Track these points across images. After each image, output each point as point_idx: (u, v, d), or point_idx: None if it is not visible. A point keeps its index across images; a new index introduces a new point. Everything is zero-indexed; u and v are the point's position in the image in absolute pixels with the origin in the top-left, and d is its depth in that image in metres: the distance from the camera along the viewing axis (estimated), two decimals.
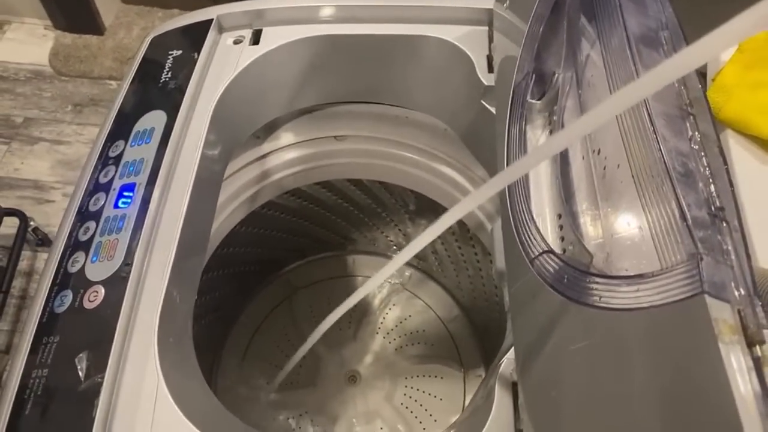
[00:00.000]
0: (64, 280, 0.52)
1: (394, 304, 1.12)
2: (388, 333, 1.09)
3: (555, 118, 0.52)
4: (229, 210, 0.78)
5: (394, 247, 1.15)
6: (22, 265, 1.39)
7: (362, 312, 1.12)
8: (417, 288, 1.14)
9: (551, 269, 0.41)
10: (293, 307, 1.12)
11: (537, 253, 0.43)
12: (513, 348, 0.47)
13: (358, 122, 0.79)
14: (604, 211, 0.39)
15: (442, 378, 1.04)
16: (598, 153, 0.40)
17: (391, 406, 1.01)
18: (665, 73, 0.26)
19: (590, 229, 0.43)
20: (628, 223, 0.36)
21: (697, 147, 0.32)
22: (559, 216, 0.48)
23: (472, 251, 0.92)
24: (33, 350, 0.49)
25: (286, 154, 0.80)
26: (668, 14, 0.38)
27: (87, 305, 0.50)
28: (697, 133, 0.33)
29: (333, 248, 1.17)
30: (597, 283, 0.35)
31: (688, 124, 0.33)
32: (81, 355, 0.47)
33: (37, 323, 0.50)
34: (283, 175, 0.81)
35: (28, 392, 0.47)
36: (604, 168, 0.39)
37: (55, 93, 1.69)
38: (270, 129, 0.78)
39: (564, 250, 0.45)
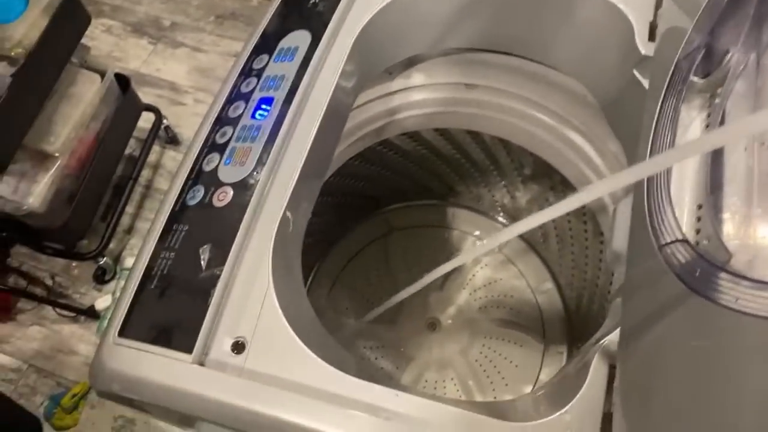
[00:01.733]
0: (198, 176, 0.56)
1: (486, 264, 1.11)
2: (475, 290, 1.09)
3: (718, 101, 0.48)
4: (348, 141, 0.79)
5: (498, 208, 1.13)
6: (151, 158, 1.52)
7: None
8: (513, 253, 1.12)
9: (682, 259, 0.39)
10: (388, 246, 1.15)
11: (669, 241, 0.41)
12: (617, 331, 0.45)
13: (492, 72, 0.76)
14: (760, 210, 0.36)
15: (521, 346, 1.04)
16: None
17: (466, 360, 1.02)
18: None
19: (734, 227, 0.40)
20: None
21: None
22: (699, 207, 0.44)
23: (582, 228, 0.89)
24: (163, 234, 0.53)
25: (414, 95, 0.80)
26: None
27: (216, 203, 0.53)
28: None
29: (436, 197, 1.17)
30: (737, 284, 0.33)
31: None
32: (205, 246, 0.51)
33: (170, 210, 0.54)
34: (406, 116, 0.81)
35: (156, 270, 0.52)
36: None
37: (201, 2, 1.78)
38: (402, 67, 0.78)
39: (697, 243, 0.42)
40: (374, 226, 1.17)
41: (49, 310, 1.36)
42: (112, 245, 1.38)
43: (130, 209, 1.46)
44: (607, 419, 0.43)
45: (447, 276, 1.11)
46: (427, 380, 1.01)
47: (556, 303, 1.07)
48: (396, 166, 1.03)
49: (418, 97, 0.80)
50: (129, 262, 1.40)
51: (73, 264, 1.42)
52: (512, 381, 1.00)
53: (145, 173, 1.52)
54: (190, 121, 1.58)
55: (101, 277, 1.38)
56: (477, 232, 1.15)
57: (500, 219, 1.14)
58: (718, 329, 0.33)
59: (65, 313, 1.35)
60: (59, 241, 1.28)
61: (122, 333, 0.49)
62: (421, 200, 1.18)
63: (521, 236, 1.13)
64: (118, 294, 1.27)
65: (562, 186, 0.91)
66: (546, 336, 1.04)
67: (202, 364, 0.47)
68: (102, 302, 1.32)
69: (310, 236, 0.99)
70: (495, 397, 0.98)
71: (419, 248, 1.14)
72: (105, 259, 1.36)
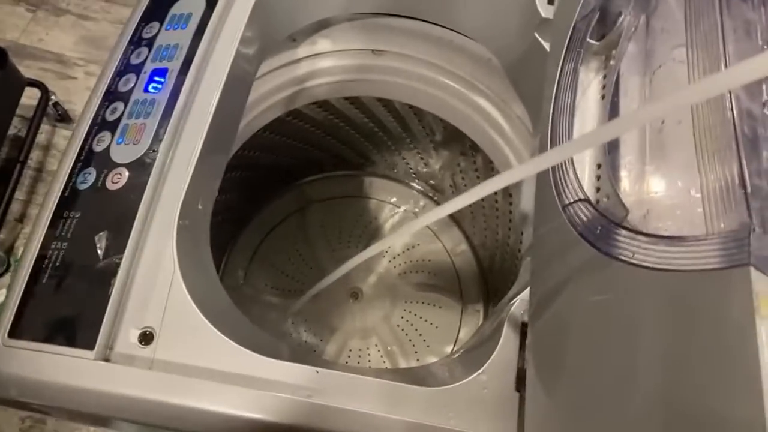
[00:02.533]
0: (88, 157, 0.52)
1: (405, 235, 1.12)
2: (394, 257, 1.10)
3: (612, 62, 0.49)
4: (255, 112, 0.76)
5: (413, 175, 1.13)
6: (41, 138, 1.39)
7: (372, 234, 1.12)
8: None
9: (584, 218, 0.40)
10: (305, 218, 1.13)
11: (571, 201, 0.42)
12: (528, 290, 0.47)
13: (399, 38, 0.75)
14: (652, 167, 0.38)
15: (440, 307, 1.06)
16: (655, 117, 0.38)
17: (388, 326, 1.03)
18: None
19: (630, 183, 0.42)
20: (678, 183, 0.34)
21: None
22: (599, 166, 0.46)
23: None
24: (53, 222, 0.49)
25: (321, 62, 0.77)
26: None
27: (110, 186, 0.49)
28: None
29: (351, 167, 1.16)
30: (633, 239, 0.34)
31: (764, 87, 0.31)
32: (101, 234, 0.47)
33: (59, 196, 0.50)
34: (314, 84, 0.79)
35: (46, 262, 0.47)
36: (662, 122, 0.37)
37: None
38: (307, 33, 0.75)
39: (597, 201, 0.44)
40: (290, 200, 1.14)
41: None
42: (2, 235, 1.27)
43: (20, 195, 1.34)
44: (521, 374, 0.44)
45: (366, 245, 1.11)
46: (351, 349, 1.01)
47: (471, 263, 1.10)
48: (308, 137, 1.00)
49: (326, 64, 0.78)
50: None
51: None
52: (433, 342, 1.03)
53: (35, 155, 1.39)
54: (83, 96, 1.46)
55: None
56: (393, 200, 1.15)
57: (415, 185, 1.15)
58: (618, 283, 0.35)
59: None
60: None
61: (13, 334, 0.45)
62: (337, 171, 1.17)
63: (436, 201, 1.14)
64: None
65: (472, 150, 0.92)
66: (463, 296, 1.07)
67: (107, 359, 0.44)
68: None
69: (220, 214, 0.96)
70: (418, 360, 1.01)
71: (338, 219, 1.13)
72: None
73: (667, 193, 0.36)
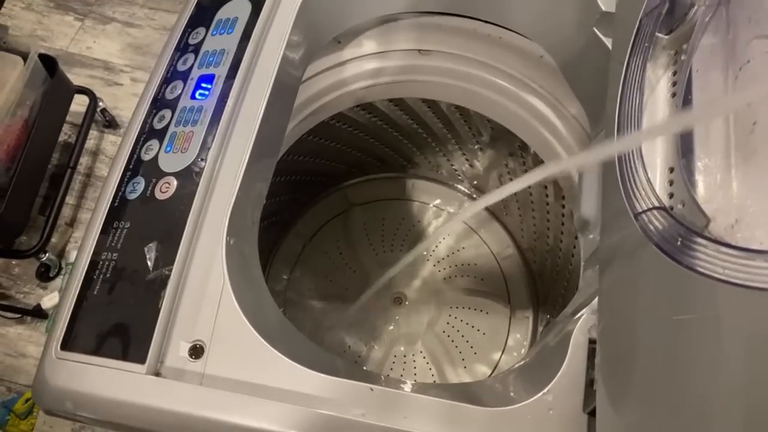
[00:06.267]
0: (136, 166, 0.51)
1: (448, 234, 1.10)
2: (438, 261, 1.08)
3: (683, 57, 0.46)
4: (300, 117, 0.75)
5: (459, 176, 1.11)
6: (89, 144, 1.43)
7: (416, 237, 1.10)
8: (474, 221, 1.10)
9: (659, 227, 0.37)
10: (348, 222, 1.12)
11: (644, 208, 0.39)
12: (594, 303, 0.44)
13: (446, 37, 0.73)
14: (741, 171, 0.34)
15: (487, 313, 1.03)
16: (748, 105, 0.34)
17: (433, 332, 1.01)
18: None
19: (709, 189, 0.38)
20: None
21: None
22: (671, 170, 0.43)
23: (543, 192, 0.88)
24: (104, 231, 0.49)
25: (366, 64, 0.75)
26: None
27: (159, 195, 0.49)
28: None
29: (394, 169, 1.14)
30: (722, 252, 0.31)
31: None
32: (150, 244, 0.47)
33: (108, 206, 0.50)
34: (359, 86, 0.77)
35: (97, 273, 0.47)
36: (754, 123, 0.33)
37: None
38: (352, 34, 0.73)
39: (671, 208, 0.41)
40: (333, 203, 1.13)
41: None
42: (54, 239, 1.30)
43: (71, 200, 1.38)
44: (589, 395, 0.41)
45: (410, 249, 1.09)
46: (396, 356, 0.99)
47: (518, 268, 1.06)
48: (352, 140, 0.99)
49: (371, 66, 0.76)
50: (75, 255, 1.32)
51: (13, 262, 1.33)
52: (480, 349, 1.00)
53: (85, 160, 1.43)
54: (129, 102, 1.49)
55: (45, 274, 1.29)
56: (437, 202, 1.13)
57: (460, 187, 1.13)
58: (705, 302, 0.31)
59: (9, 314, 1.26)
60: None
61: (65, 346, 0.45)
62: (380, 173, 1.15)
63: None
64: None
65: (521, 151, 0.89)
66: (511, 301, 1.04)
67: (157, 373, 0.43)
68: (49, 300, 1.25)
69: (266, 219, 0.95)
70: (465, 367, 0.98)
71: (380, 223, 1.12)
72: (47, 254, 1.27)
73: (760, 201, 0.32)
